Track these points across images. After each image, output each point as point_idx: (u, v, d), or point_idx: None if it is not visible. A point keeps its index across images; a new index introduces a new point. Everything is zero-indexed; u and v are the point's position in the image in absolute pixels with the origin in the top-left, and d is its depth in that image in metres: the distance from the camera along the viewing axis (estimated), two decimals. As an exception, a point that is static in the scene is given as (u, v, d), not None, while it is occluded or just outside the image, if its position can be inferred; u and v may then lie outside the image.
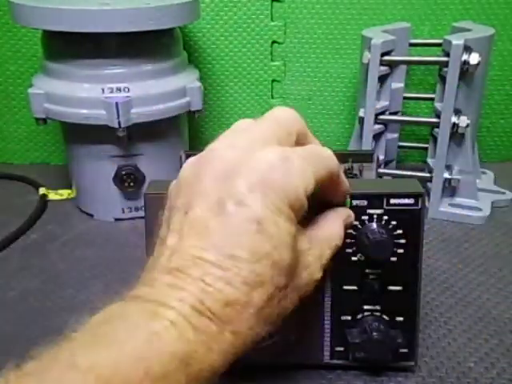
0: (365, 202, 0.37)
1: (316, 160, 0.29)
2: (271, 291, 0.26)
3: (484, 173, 0.73)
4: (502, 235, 0.60)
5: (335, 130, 0.80)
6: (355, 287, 0.38)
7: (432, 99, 0.67)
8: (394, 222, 0.37)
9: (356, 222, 0.37)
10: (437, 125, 0.62)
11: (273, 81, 0.77)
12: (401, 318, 0.39)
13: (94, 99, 0.56)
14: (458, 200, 0.65)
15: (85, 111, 0.57)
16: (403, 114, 0.72)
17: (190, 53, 0.69)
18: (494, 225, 0.62)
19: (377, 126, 0.65)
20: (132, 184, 0.61)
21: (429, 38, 0.72)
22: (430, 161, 0.66)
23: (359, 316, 0.39)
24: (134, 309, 0.24)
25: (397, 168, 0.72)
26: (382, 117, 0.65)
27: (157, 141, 0.62)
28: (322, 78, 0.77)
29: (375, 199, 0.37)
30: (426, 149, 0.68)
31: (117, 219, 0.64)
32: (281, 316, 0.28)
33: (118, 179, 0.61)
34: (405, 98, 0.70)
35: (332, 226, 0.33)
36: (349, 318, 0.39)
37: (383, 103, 0.66)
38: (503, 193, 0.68)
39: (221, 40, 0.75)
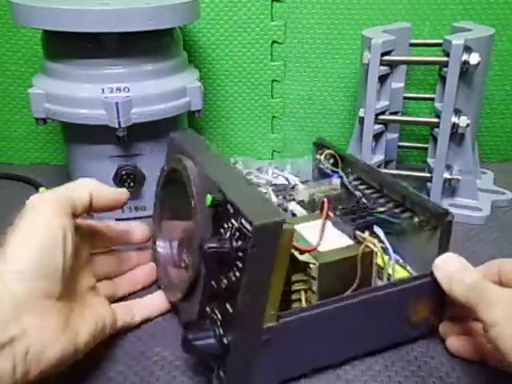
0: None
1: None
2: None
3: (484, 173, 0.73)
4: (502, 235, 0.60)
5: (335, 129, 0.80)
6: None
7: (432, 99, 0.67)
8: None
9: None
10: (437, 125, 0.62)
11: (273, 81, 0.77)
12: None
13: (94, 99, 0.56)
14: (458, 200, 0.65)
15: (85, 111, 0.57)
16: (403, 114, 0.72)
17: (190, 53, 0.69)
18: (494, 225, 0.62)
19: (377, 126, 0.65)
20: (132, 184, 0.61)
21: (429, 38, 0.72)
22: (430, 161, 0.66)
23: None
24: None
25: (397, 168, 0.72)
26: (382, 117, 0.65)
27: (157, 141, 0.62)
28: (322, 78, 0.77)
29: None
30: (426, 149, 0.68)
31: (117, 219, 0.64)
32: None
33: (118, 179, 0.61)
34: (405, 98, 0.70)
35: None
36: None
37: (383, 103, 0.66)
38: (503, 193, 0.68)
39: (221, 40, 0.75)
